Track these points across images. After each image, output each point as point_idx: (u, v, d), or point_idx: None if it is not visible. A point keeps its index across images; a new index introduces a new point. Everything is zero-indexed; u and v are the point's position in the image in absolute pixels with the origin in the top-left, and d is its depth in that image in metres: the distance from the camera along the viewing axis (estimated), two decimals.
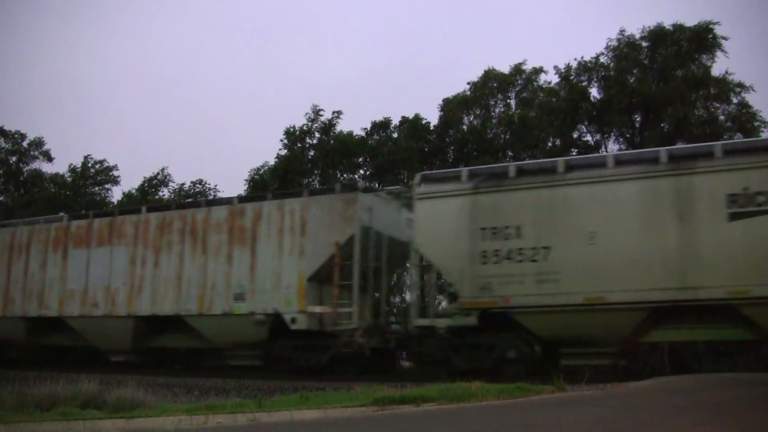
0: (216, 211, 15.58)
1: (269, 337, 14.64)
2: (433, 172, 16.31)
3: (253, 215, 14.95)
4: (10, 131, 34.69)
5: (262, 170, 28.05)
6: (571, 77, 24.38)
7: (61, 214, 20.50)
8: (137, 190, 32.96)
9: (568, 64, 24.54)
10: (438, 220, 12.94)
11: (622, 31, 23.82)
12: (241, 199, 16.22)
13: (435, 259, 13.20)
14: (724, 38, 22.49)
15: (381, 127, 27.97)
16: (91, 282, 16.83)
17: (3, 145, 34.78)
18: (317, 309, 13.98)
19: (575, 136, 24.79)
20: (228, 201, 15.98)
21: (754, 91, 22.13)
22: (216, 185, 33.82)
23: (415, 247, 13.37)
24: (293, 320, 14.03)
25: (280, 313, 14.23)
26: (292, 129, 28.08)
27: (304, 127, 28.07)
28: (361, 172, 27.63)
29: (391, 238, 14.87)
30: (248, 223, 14.96)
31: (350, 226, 13.91)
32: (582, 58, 24.18)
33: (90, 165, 34.32)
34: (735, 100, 22.42)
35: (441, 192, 13.13)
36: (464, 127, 26.66)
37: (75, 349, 18.07)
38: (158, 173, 33.10)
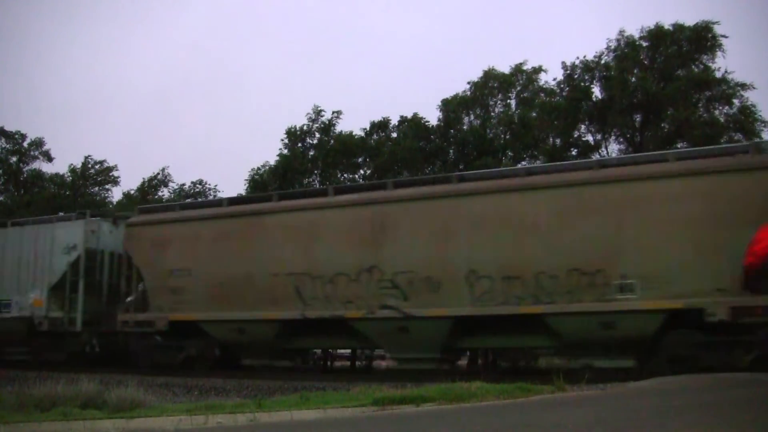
0: None
1: None
2: None
3: None
4: (11, 131, 34.83)
5: (262, 170, 28.08)
6: (575, 76, 24.40)
7: None
8: (137, 190, 32.99)
9: (573, 63, 24.59)
10: None
11: (621, 32, 23.86)
12: None
13: None
14: (724, 36, 22.53)
15: (380, 127, 27.99)
16: None
17: (3, 145, 34.90)
18: None
19: (575, 135, 24.84)
20: None
21: (754, 88, 22.16)
22: (216, 185, 33.83)
23: None
24: None
25: None
26: (293, 129, 28.12)
27: (305, 127, 28.11)
28: (361, 172, 27.65)
29: None
30: None
31: None
32: (585, 57, 24.25)
33: (90, 165, 34.36)
34: (737, 102, 22.45)
35: None
36: (464, 127, 26.68)
37: None
38: (158, 173, 33.14)
